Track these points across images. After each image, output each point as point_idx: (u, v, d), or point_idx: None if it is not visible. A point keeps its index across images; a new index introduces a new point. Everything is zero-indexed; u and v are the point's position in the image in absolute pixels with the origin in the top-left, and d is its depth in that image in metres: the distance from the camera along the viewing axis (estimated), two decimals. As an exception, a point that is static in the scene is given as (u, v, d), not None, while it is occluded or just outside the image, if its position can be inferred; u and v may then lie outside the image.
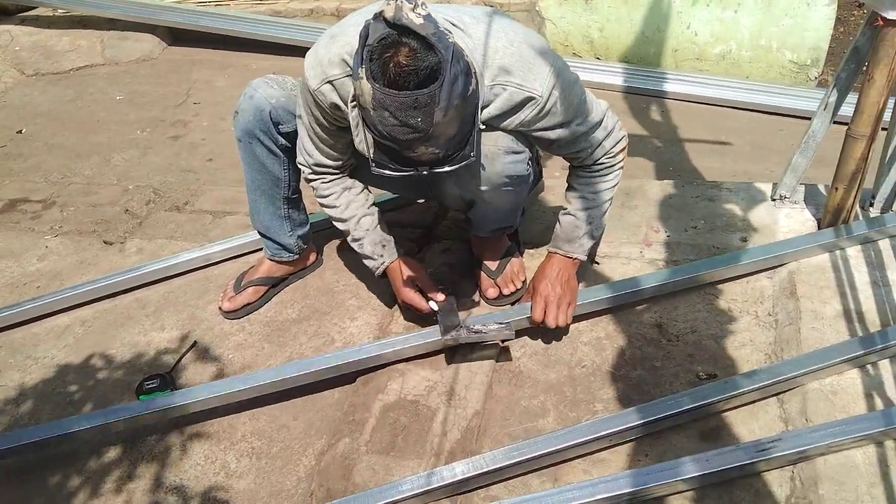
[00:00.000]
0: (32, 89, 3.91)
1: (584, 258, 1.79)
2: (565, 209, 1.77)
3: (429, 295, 1.79)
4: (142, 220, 2.60)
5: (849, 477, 1.37)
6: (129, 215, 2.64)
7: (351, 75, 1.46)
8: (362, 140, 1.39)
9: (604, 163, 1.69)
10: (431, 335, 1.75)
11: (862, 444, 1.41)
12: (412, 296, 1.79)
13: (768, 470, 1.44)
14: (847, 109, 1.82)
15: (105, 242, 2.49)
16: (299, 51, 3.81)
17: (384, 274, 1.84)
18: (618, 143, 1.69)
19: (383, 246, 1.81)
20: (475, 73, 1.34)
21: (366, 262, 1.84)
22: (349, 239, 1.83)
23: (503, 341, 1.76)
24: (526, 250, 2.10)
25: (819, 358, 1.56)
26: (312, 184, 1.79)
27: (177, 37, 4.32)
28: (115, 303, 2.21)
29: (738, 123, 3.43)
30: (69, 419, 1.72)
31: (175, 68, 4.06)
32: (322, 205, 1.82)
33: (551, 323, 1.72)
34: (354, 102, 1.35)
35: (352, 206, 1.79)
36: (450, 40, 1.27)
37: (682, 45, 3.71)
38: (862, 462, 1.39)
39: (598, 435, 1.50)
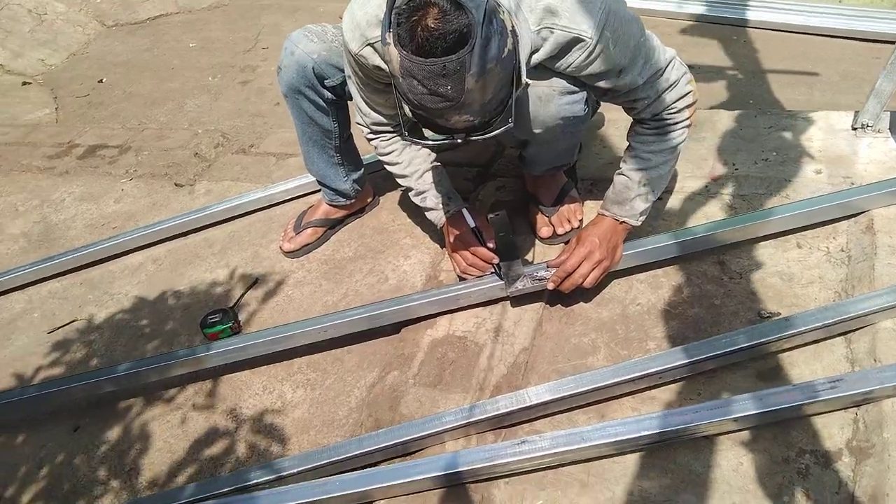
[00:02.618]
0: (112, 40, 4.05)
1: (636, 223, 1.65)
2: (619, 168, 1.65)
3: (486, 241, 1.72)
4: (210, 163, 2.67)
5: (917, 420, 1.28)
6: (199, 158, 2.72)
7: None
8: (399, 107, 1.32)
9: (665, 119, 1.55)
10: (488, 283, 1.71)
11: (935, 385, 1.31)
12: (475, 248, 1.71)
13: (829, 411, 1.37)
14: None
15: (176, 185, 2.58)
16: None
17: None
18: (682, 97, 1.53)
19: (448, 197, 1.77)
20: (512, 30, 1.24)
21: (429, 214, 1.80)
22: (411, 194, 1.79)
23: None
24: (584, 187, 2.03)
25: (891, 294, 1.45)
26: (373, 142, 1.76)
27: (247, -18, 4.37)
28: (184, 242, 2.30)
29: (829, 52, 3.20)
30: (138, 361, 1.80)
31: (245, 14, 4.11)
32: (384, 162, 1.78)
33: (578, 279, 1.60)
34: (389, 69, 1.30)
35: (415, 161, 1.76)
36: None
37: (768, -31, 3.46)
38: (933, 405, 1.30)
39: (647, 372, 1.45)
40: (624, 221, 1.65)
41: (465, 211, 1.75)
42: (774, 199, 1.85)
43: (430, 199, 1.77)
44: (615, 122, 2.21)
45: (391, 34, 1.18)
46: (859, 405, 1.36)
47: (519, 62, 1.29)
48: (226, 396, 1.77)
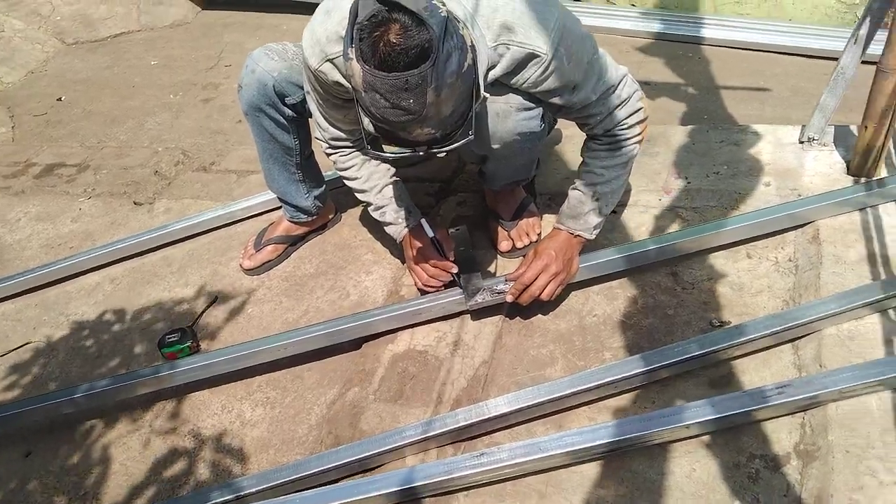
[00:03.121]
0: (72, 57, 4.00)
1: (590, 237, 1.68)
2: (574, 183, 1.68)
3: (446, 253, 1.73)
4: (170, 181, 2.66)
5: (861, 423, 1.32)
6: (159, 176, 2.70)
7: None
8: (361, 122, 1.34)
9: (617, 135, 1.58)
10: (449, 297, 1.72)
11: (877, 389, 1.36)
12: (433, 255, 1.73)
13: (777, 416, 1.40)
14: (880, 48, 1.71)
15: (135, 203, 2.55)
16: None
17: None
18: (634, 113, 1.57)
19: (408, 211, 1.78)
20: (471, 45, 1.27)
21: (388, 228, 1.81)
22: (371, 209, 1.80)
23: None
24: (543, 202, 2.06)
25: (836, 302, 1.49)
26: (332, 157, 1.76)
27: (210, 0, 4.35)
28: (142, 261, 2.28)
29: (780, 68, 3.28)
30: (95, 382, 1.77)
31: (207, 32, 4.10)
32: (344, 177, 1.79)
33: (535, 291, 1.63)
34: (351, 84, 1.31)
35: (374, 176, 1.76)
36: (442, 13, 1.19)
37: (721, -12, 3.55)
38: (876, 408, 1.34)
39: (603, 382, 1.48)
40: (579, 235, 1.68)
41: (423, 222, 1.77)
42: (725, 212, 1.90)
43: (390, 214, 1.78)
44: (572, 139, 2.25)
45: (353, 49, 1.19)
46: (806, 409, 1.39)
47: (478, 76, 1.31)
48: (185, 417, 1.75)
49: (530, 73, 1.44)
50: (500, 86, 1.49)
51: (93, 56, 4.01)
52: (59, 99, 3.57)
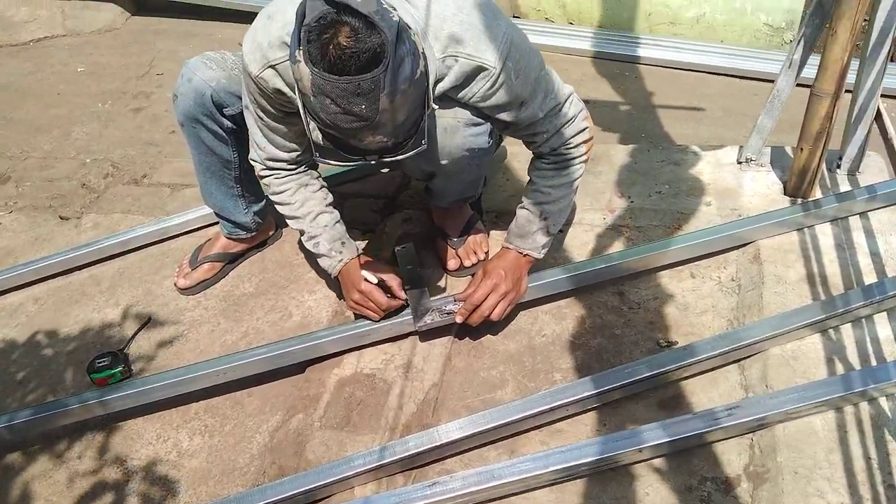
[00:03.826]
0: (-10, 62, 3.79)
1: (539, 256, 1.67)
2: (521, 202, 1.66)
3: (396, 293, 1.66)
4: (99, 195, 2.53)
5: (807, 443, 1.35)
6: (86, 190, 2.57)
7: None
8: (309, 129, 1.29)
9: (563, 154, 1.58)
10: (397, 318, 1.69)
11: (821, 409, 1.39)
12: (375, 294, 1.64)
13: (727, 438, 1.42)
14: (814, 71, 1.77)
15: (61, 218, 2.42)
16: (264, 19, 3.72)
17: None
18: (580, 132, 1.57)
19: (342, 243, 1.70)
20: (423, 52, 1.25)
21: (321, 261, 1.72)
22: (304, 238, 1.72)
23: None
24: (489, 219, 2.04)
25: (779, 323, 1.53)
26: (265, 180, 1.69)
27: (140, 5, 4.19)
28: (68, 280, 2.15)
29: (713, 88, 3.38)
30: (16, 412, 1.66)
31: (138, 38, 3.95)
32: (276, 202, 1.71)
33: (485, 311, 1.60)
34: (298, 89, 1.26)
35: (308, 203, 1.68)
36: (394, 18, 1.17)
37: (656, 9, 3.64)
38: (821, 428, 1.37)
39: (555, 405, 1.46)
40: (527, 254, 1.67)
41: (365, 273, 1.66)
42: (668, 231, 1.92)
43: (323, 245, 1.69)
44: (517, 156, 2.24)
45: (301, 52, 1.15)
46: (754, 431, 1.41)
47: (429, 84, 1.29)
48: (116, 448, 1.65)
49: (478, 87, 1.42)
50: (448, 100, 1.46)
51: (13, 61, 3.81)
52: (-24, 106, 3.38)
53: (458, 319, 1.64)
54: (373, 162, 1.28)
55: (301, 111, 1.28)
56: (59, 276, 2.15)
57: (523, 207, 1.66)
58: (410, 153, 1.29)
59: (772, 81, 3.27)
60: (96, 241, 2.19)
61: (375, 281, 1.65)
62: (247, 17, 3.83)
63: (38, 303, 2.09)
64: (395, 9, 1.21)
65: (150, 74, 3.61)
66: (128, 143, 3.02)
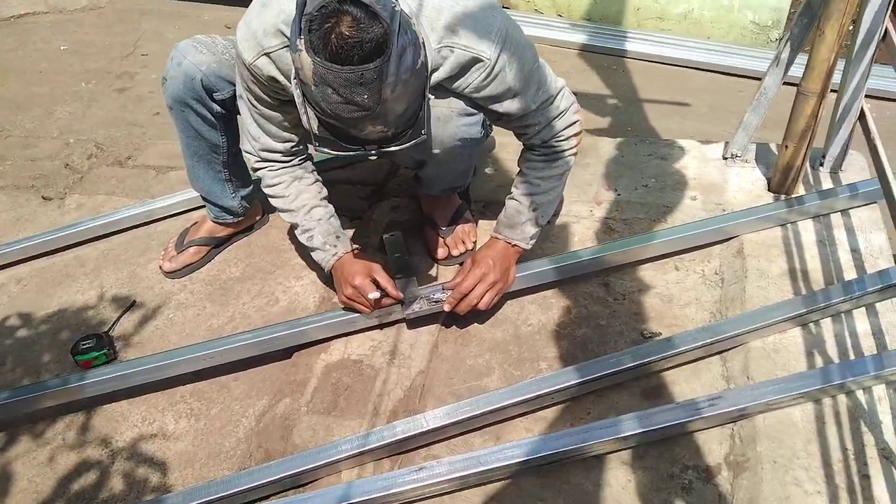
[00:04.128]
0: (-31, 38, 3.73)
1: (527, 246, 1.69)
2: (510, 193, 1.68)
3: (387, 290, 1.64)
4: (82, 175, 2.51)
5: (787, 434, 1.38)
6: (70, 170, 2.55)
7: (289, 46, 1.38)
8: (307, 119, 1.28)
9: (553, 146, 1.60)
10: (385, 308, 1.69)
11: (800, 401, 1.42)
12: (368, 288, 1.63)
13: (708, 428, 1.45)
14: (799, 70, 1.80)
15: (43, 198, 2.40)
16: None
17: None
18: (570, 126, 1.59)
19: (337, 237, 1.70)
20: (423, 42, 1.25)
21: (315, 254, 1.71)
22: (297, 231, 1.71)
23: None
24: (477, 209, 2.05)
25: (761, 317, 1.56)
26: (259, 172, 1.68)
27: (125, -15, 4.14)
28: (52, 261, 2.13)
29: (699, 84, 3.40)
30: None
31: (123, 18, 3.90)
32: (270, 195, 1.70)
33: (473, 300, 1.62)
34: (296, 78, 1.26)
35: (302, 196, 1.68)
36: (395, 8, 1.17)
37: (645, 4, 3.66)
38: (800, 419, 1.40)
39: (540, 393, 1.48)
40: (516, 244, 1.68)
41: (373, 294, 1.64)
42: (654, 224, 1.94)
43: (317, 238, 1.68)
44: (506, 146, 2.25)
45: (302, 40, 1.14)
46: (735, 421, 1.44)
47: (428, 74, 1.29)
48: (101, 429, 1.65)
49: (473, 78, 1.43)
50: (442, 90, 1.47)
51: (-6, 37, 3.75)
52: (-44, 82, 3.32)
53: (447, 308, 1.65)
54: (372, 152, 1.28)
55: (298, 100, 1.28)
56: (42, 256, 2.13)
57: (513, 198, 1.68)
58: (409, 143, 1.29)
59: (757, 79, 3.31)
60: (80, 222, 2.17)
61: (379, 295, 1.63)
62: (233, -1, 3.83)
63: (20, 283, 2.07)
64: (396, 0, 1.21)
65: (135, 55, 3.57)
66: (112, 123, 2.99)
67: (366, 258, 1.70)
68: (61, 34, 3.77)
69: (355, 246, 1.76)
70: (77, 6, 4.01)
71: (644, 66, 3.52)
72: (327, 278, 1.93)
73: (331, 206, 1.72)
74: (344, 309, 1.71)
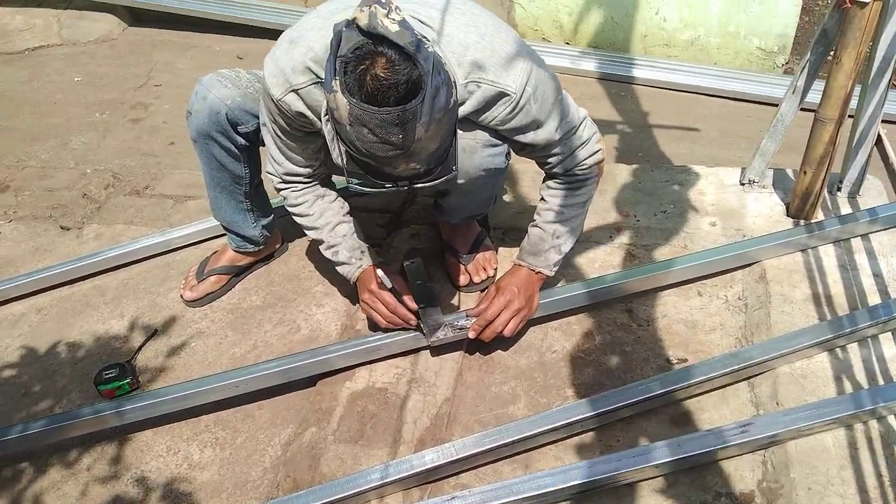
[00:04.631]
0: (-15, 70, 3.77)
1: (550, 273, 1.69)
2: (534, 220, 1.69)
3: (406, 302, 1.67)
4: (100, 205, 2.52)
5: (820, 460, 1.37)
6: (87, 200, 2.56)
7: (318, 83, 1.40)
8: (338, 155, 1.30)
9: (577, 174, 1.62)
10: (408, 333, 1.70)
11: (832, 427, 1.41)
12: (389, 300, 1.67)
13: (740, 454, 1.44)
14: (815, 97, 1.82)
15: (62, 228, 2.40)
16: (265, 32, 3.74)
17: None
18: (593, 154, 1.61)
19: (362, 252, 1.74)
20: (455, 82, 1.28)
21: (340, 268, 1.75)
22: (322, 247, 1.74)
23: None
24: (497, 236, 2.06)
25: (789, 342, 1.56)
26: (283, 193, 1.71)
27: (137, 17, 4.19)
28: (72, 290, 2.13)
29: (707, 110, 3.44)
30: (25, 424, 1.64)
31: (135, 49, 3.94)
32: (294, 214, 1.73)
33: (498, 327, 1.63)
34: (328, 116, 1.27)
35: (326, 213, 1.71)
36: (429, 49, 1.19)
37: (651, 31, 3.71)
38: (832, 445, 1.39)
39: (569, 421, 1.48)
40: (540, 272, 1.69)
41: (380, 273, 1.69)
42: (674, 250, 1.95)
43: (343, 253, 1.72)
44: (524, 173, 2.27)
45: (338, 81, 1.16)
46: (766, 448, 1.44)
47: (457, 113, 1.31)
48: (126, 460, 1.64)
49: (499, 112, 1.45)
50: (468, 122, 1.49)
51: (8, 69, 3.79)
52: (-28, 113, 3.35)
53: (472, 335, 1.65)
54: (404, 188, 1.29)
55: (328, 136, 1.29)
56: (62, 286, 2.14)
57: (536, 226, 1.69)
58: (441, 179, 1.31)
59: (765, 104, 3.38)
60: (100, 251, 2.18)
61: (390, 286, 1.66)
62: (245, 30, 3.89)
63: (41, 313, 2.07)
64: (428, 39, 1.23)
65: (148, 85, 3.61)
66: (127, 153, 3.02)
67: (388, 270, 1.73)
68: (75, 66, 3.81)
69: (379, 259, 1.77)
70: (90, 38, 4.06)
71: (652, 92, 3.56)
72: (349, 306, 1.94)
73: (353, 221, 1.75)
74: (369, 324, 1.74)
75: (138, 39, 4.06)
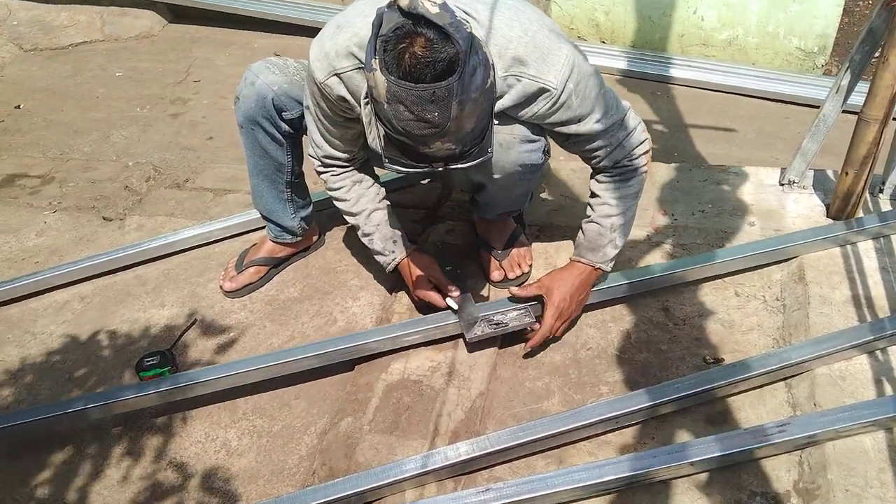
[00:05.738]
0: (30, 64, 3.86)
1: (608, 269, 1.71)
2: (588, 216, 1.69)
3: (444, 290, 1.74)
4: (142, 197, 2.57)
5: (858, 462, 1.36)
6: (129, 192, 2.61)
7: (360, 68, 1.42)
8: (375, 137, 1.32)
9: (626, 165, 1.61)
10: (440, 319, 1.73)
11: (871, 429, 1.40)
12: (427, 293, 1.75)
13: (776, 454, 1.43)
14: (856, 98, 1.80)
15: (104, 219, 2.46)
16: (302, 29, 3.77)
17: (395, 270, 1.81)
18: (640, 144, 1.61)
19: (394, 242, 1.77)
20: (493, 64, 1.29)
21: (377, 257, 1.80)
22: (359, 233, 1.79)
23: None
24: (532, 233, 2.07)
25: (827, 343, 1.54)
26: (322, 176, 1.75)
27: (177, 14, 4.26)
28: (114, 279, 2.19)
29: (744, 110, 3.39)
30: (69, 401, 1.70)
31: (175, 46, 4.01)
32: (333, 198, 1.78)
33: (549, 336, 1.69)
34: (367, 99, 1.28)
35: (362, 200, 1.75)
36: (467, 29, 1.20)
37: (689, 31, 3.67)
38: (871, 448, 1.38)
39: (603, 417, 1.48)
40: (599, 267, 1.70)
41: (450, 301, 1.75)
42: (712, 249, 1.93)
43: (377, 242, 1.77)
44: (559, 171, 2.27)
45: (377, 60, 1.18)
46: (803, 448, 1.42)
47: (496, 96, 1.32)
48: (165, 445, 1.68)
49: (539, 107, 1.46)
50: (505, 117, 1.50)
51: (53, 64, 3.88)
52: (18, 107, 3.44)
53: (528, 347, 1.68)
54: (439, 169, 1.31)
55: (366, 119, 1.31)
56: (104, 275, 2.19)
57: (591, 221, 1.68)
58: (476, 161, 1.32)
59: (804, 105, 3.33)
60: (141, 242, 2.23)
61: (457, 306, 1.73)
62: (283, 27, 3.93)
63: (84, 301, 2.12)
64: (467, 21, 1.24)
65: (188, 81, 3.66)
66: (167, 147, 3.07)
67: (423, 259, 1.78)
68: (116, 61, 3.89)
69: (413, 245, 1.81)
70: (131, 34, 4.14)
71: (689, 92, 3.52)
72: (384, 299, 1.96)
73: (388, 207, 1.79)
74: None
75: (178, 36, 4.12)
